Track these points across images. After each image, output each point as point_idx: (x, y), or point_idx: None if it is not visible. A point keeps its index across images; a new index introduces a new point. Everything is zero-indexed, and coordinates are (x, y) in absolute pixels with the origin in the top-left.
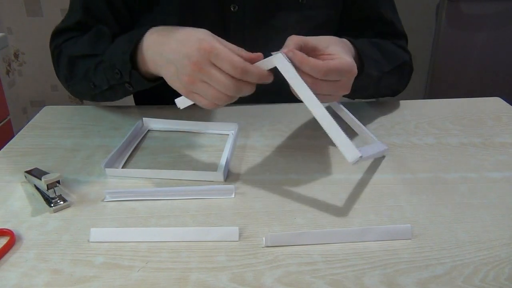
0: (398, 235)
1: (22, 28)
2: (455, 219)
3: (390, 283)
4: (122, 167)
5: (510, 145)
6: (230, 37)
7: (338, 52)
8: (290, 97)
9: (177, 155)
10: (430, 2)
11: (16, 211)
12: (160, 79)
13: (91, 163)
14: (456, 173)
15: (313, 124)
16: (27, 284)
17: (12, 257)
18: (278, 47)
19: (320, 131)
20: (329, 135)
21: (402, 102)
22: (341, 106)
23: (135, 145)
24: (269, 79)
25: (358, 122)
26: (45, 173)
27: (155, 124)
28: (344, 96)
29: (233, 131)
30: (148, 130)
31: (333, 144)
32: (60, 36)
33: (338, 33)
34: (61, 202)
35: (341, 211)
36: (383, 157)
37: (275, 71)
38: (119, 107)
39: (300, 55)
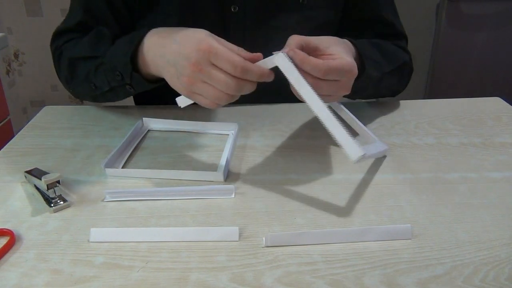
0: (398, 235)
1: (22, 28)
2: (455, 219)
3: (390, 283)
4: (122, 167)
5: (510, 145)
6: (230, 38)
7: (339, 52)
8: (290, 96)
9: (177, 155)
10: (430, 2)
11: (16, 211)
12: (161, 81)
13: (91, 163)
14: (456, 173)
15: (313, 124)
16: (27, 284)
17: (12, 257)
18: (278, 47)
19: (320, 131)
20: (331, 133)
21: (402, 102)
22: (342, 106)
23: (135, 145)
24: (270, 78)
25: (359, 122)
26: (45, 173)
27: (155, 124)
28: (344, 96)
29: (233, 131)
30: (148, 130)
31: (333, 144)
32: (61, 38)
33: (338, 33)
34: (61, 202)
35: (341, 211)
36: (384, 157)
37: (276, 70)
38: (119, 107)
39: (301, 54)
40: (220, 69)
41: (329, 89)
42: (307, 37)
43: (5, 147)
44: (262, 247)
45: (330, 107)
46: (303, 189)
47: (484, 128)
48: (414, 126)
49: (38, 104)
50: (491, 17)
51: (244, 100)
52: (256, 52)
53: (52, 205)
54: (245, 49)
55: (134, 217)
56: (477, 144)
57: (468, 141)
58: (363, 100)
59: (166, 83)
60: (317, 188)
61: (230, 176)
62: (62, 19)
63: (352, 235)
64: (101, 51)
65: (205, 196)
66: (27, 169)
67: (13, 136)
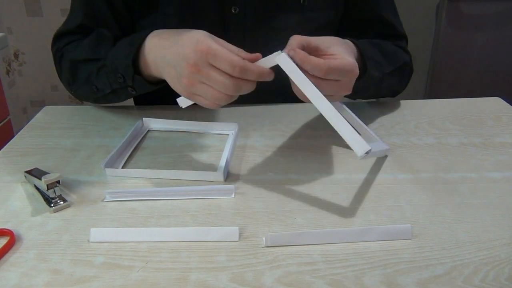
0: (398, 235)
1: (22, 28)
2: (455, 219)
3: (390, 283)
4: (122, 167)
5: (510, 145)
6: (230, 39)
7: (340, 52)
8: (291, 96)
9: (177, 155)
10: (430, 2)
11: (16, 211)
12: (163, 82)
13: (91, 163)
14: (456, 173)
15: (314, 124)
16: (27, 284)
17: (12, 257)
18: (278, 48)
19: (320, 131)
20: (337, 130)
21: (402, 102)
22: (343, 106)
23: (135, 145)
24: (270, 77)
25: (360, 122)
26: (45, 173)
27: (155, 124)
28: (345, 96)
29: (233, 131)
30: (148, 130)
31: (334, 144)
32: (62, 40)
33: (339, 34)
34: (61, 202)
35: (341, 211)
36: (385, 157)
37: (276, 69)
38: (119, 107)
39: (302, 54)
40: (219, 70)
41: (330, 89)
42: (308, 37)
43: (5, 147)
44: (262, 247)
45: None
46: (303, 189)
47: (484, 128)
48: (414, 126)
49: (38, 104)
50: (491, 17)
51: (245, 100)
52: (256, 52)
53: (52, 205)
54: (245, 50)
55: (134, 217)
56: (477, 144)
57: (468, 141)
58: (363, 100)
59: (167, 84)
60: (317, 188)
61: (230, 176)
62: (62, 19)
63: (352, 235)
64: (102, 53)
65: (205, 196)
66: (27, 169)
67: (13, 136)
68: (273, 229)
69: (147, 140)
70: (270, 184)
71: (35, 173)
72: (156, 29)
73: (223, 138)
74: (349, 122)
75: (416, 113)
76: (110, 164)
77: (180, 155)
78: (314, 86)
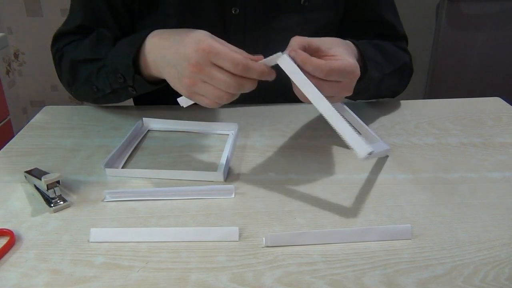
0: (398, 235)
1: (22, 28)
2: (455, 219)
3: (390, 283)
4: (122, 167)
5: (510, 145)
6: (230, 39)
7: (341, 53)
8: (291, 96)
9: (177, 155)
10: (430, 2)
11: (16, 211)
12: (163, 82)
13: (91, 163)
14: (456, 173)
15: (314, 124)
16: (27, 284)
17: (12, 257)
18: (279, 49)
19: (320, 131)
20: (338, 131)
21: (402, 102)
22: (344, 106)
23: (135, 145)
24: (271, 76)
25: (361, 122)
26: (45, 173)
27: (155, 124)
28: (345, 97)
29: (233, 131)
30: (148, 130)
31: (334, 144)
32: (62, 40)
33: (338, 34)
34: (61, 202)
35: (341, 211)
36: (386, 157)
37: (277, 69)
38: (119, 107)
39: (303, 55)
40: (220, 69)
41: (331, 90)
42: (309, 38)
43: (5, 147)
44: (262, 247)
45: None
46: (303, 189)
47: (484, 128)
48: (414, 126)
49: (38, 104)
50: (491, 17)
51: (246, 99)
52: (256, 53)
53: (52, 205)
54: (245, 50)
55: (134, 217)
56: (477, 144)
57: (468, 141)
58: (363, 100)
59: (167, 84)
60: (318, 188)
61: (230, 176)
62: (62, 19)
63: (352, 235)
64: (103, 53)
65: (205, 196)
66: (27, 169)
67: (13, 136)
68: (273, 229)
69: (147, 140)
70: (270, 184)
71: (35, 173)
72: (156, 29)
73: (223, 138)
74: (350, 122)
75: (416, 113)
76: (110, 164)
77: (180, 155)
78: (315, 88)
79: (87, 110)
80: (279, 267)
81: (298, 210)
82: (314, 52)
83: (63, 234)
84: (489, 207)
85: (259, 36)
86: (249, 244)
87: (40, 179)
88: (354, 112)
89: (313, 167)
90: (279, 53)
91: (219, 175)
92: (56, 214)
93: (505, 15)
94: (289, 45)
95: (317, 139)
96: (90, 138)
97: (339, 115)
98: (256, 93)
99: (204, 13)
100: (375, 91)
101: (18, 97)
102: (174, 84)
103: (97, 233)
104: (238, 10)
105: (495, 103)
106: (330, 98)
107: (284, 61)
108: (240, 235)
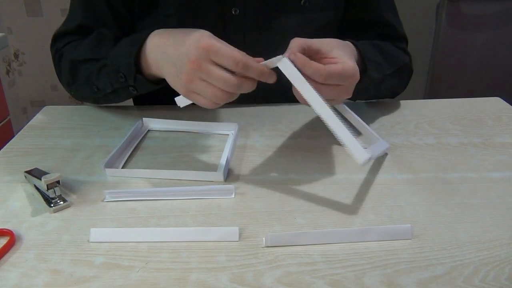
0: (398, 235)
1: (22, 28)
2: (455, 219)
3: (390, 283)
4: (122, 167)
5: (510, 145)
6: (230, 40)
7: (341, 56)
8: (292, 96)
9: (177, 155)
10: (430, 2)
11: (16, 211)
12: (163, 82)
13: (91, 163)
14: (456, 173)
15: (313, 124)
16: (27, 284)
17: (12, 257)
18: (279, 49)
19: (320, 131)
20: (336, 136)
21: (402, 102)
22: (345, 106)
23: (135, 145)
24: (271, 78)
25: (362, 122)
26: (45, 173)
27: (155, 124)
28: None
29: (233, 131)
30: (148, 130)
31: (334, 144)
32: (61, 40)
33: (338, 34)
34: (61, 202)
35: (341, 211)
36: (385, 155)
37: (278, 71)
38: (119, 107)
39: (303, 58)
40: (220, 67)
41: (331, 93)
42: (309, 39)
43: (5, 147)
44: (262, 247)
45: (334, 108)
46: (303, 189)
47: (484, 128)
48: (414, 126)
49: (38, 104)
50: (491, 17)
51: (246, 99)
52: (256, 53)
53: (52, 205)
54: (245, 51)
55: (134, 217)
56: (477, 144)
57: (468, 141)
58: (363, 101)
59: (167, 84)
60: (318, 188)
61: (230, 176)
62: (62, 19)
63: (352, 235)
64: (103, 53)
65: (205, 196)
66: (27, 169)
67: (13, 136)
68: (273, 229)
69: (147, 140)
70: (270, 184)
71: (35, 173)
72: (156, 29)
73: (223, 138)
74: (350, 122)
75: (416, 113)
76: (110, 164)
77: (180, 155)
78: (314, 91)
79: (87, 110)
80: (279, 267)
81: (298, 210)
82: (314, 54)
83: (63, 234)
84: (489, 207)
85: (259, 36)
86: (249, 244)
87: (40, 179)
88: (354, 112)
89: (313, 167)
90: (280, 56)
91: (219, 175)
92: (56, 214)
93: (505, 15)
94: (289, 47)
95: (317, 139)
96: (90, 138)
97: (338, 120)
98: (256, 93)
99: (204, 13)
100: (375, 91)
101: (18, 97)
102: (173, 82)
103: (97, 233)
104: (238, 10)
105: (495, 103)
106: (330, 101)
107: (283, 64)
108: (240, 235)
